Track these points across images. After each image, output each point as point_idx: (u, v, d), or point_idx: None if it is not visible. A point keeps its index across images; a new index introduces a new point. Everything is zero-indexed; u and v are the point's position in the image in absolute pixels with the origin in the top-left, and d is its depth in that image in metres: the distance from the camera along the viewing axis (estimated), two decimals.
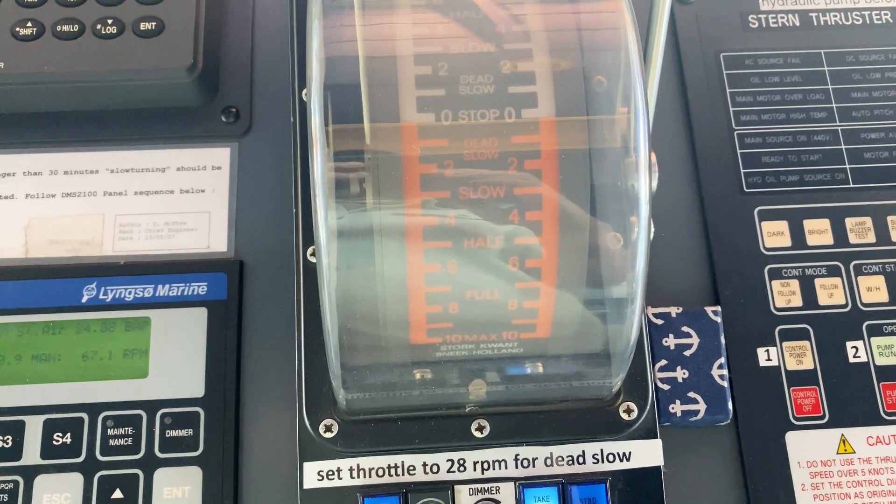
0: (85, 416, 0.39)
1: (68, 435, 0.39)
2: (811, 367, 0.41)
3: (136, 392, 0.40)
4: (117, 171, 0.44)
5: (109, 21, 0.42)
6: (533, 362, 0.36)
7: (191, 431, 0.39)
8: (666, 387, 0.39)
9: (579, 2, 0.35)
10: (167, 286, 0.41)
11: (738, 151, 0.44)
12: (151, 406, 0.39)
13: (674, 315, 0.40)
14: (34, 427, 0.39)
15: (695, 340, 0.40)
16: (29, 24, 0.42)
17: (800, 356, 0.41)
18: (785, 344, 0.41)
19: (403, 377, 0.36)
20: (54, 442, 0.39)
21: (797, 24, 0.47)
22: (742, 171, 0.44)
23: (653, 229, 0.38)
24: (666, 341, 0.40)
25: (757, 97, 0.45)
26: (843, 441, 0.40)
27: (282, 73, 0.45)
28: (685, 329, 0.40)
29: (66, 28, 0.42)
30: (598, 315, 0.35)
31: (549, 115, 0.32)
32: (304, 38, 0.36)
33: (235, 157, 0.44)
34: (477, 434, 0.37)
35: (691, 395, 0.39)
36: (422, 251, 0.32)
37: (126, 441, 0.39)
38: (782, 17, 0.47)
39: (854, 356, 0.41)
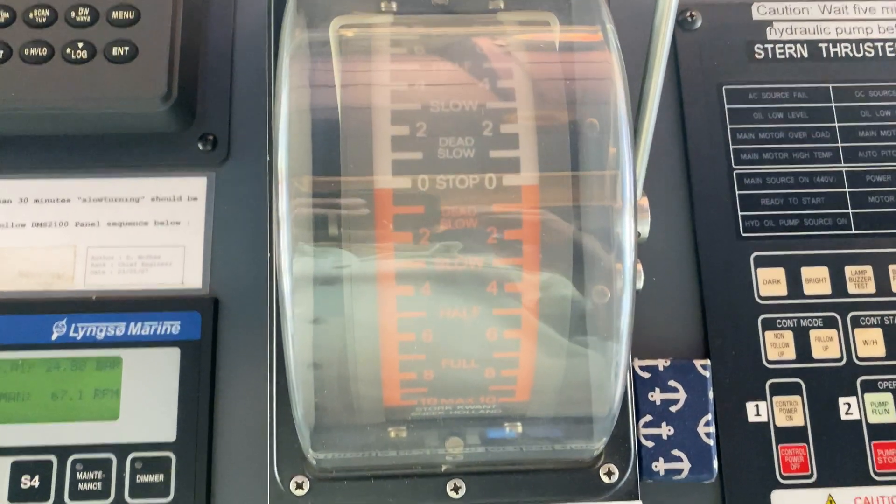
0: (54, 458, 0.38)
1: (37, 478, 0.38)
2: (801, 423, 0.40)
3: (107, 434, 0.39)
4: (90, 200, 0.42)
5: (80, 45, 0.40)
6: (512, 423, 0.35)
7: (162, 477, 0.38)
8: (650, 444, 0.38)
9: (567, 51, 0.33)
10: (139, 324, 0.40)
11: (737, 192, 0.42)
12: (122, 449, 0.39)
13: (661, 368, 0.39)
14: (2, 469, 0.38)
15: (682, 396, 0.39)
16: None
17: (790, 412, 0.40)
18: (775, 399, 0.40)
19: (377, 436, 0.35)
20: (22, 485, 0.38)
21: (805, 55, 0.44)
22: (740, 213, 0.42)
23: (642, 277, 0.37)
24: (652, 396, 0.39)
25: (759, 134, 0.43)
26: (831, 501, 0.39)
27: (263, 100, 0.43)
28: (672, 383, 0.39)
29: (34, 51, 0.40)
30: (581, 377, 0.34)
31: (531, 182, 0.30)
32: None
33: (212, 187, 0.42)
34: (453, 494, 0.36)
35: (676, 452, 0.38)
36: (396, 320, 0.31)
37: (95, 486, 0.38)
38: (790, 48, 0.44)
39: (846, 413, 0.40)
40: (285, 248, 0.29)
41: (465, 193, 0.30)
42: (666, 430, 0.38)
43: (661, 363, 0.39)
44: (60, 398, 0.39)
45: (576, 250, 0.32)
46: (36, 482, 0.38)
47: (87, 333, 0.40)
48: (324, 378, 0.32)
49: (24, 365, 0.40)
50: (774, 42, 0.45)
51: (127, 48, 0.40)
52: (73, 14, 0.41)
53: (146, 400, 0.39)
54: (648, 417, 0.39)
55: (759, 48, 0.45)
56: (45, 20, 0.41)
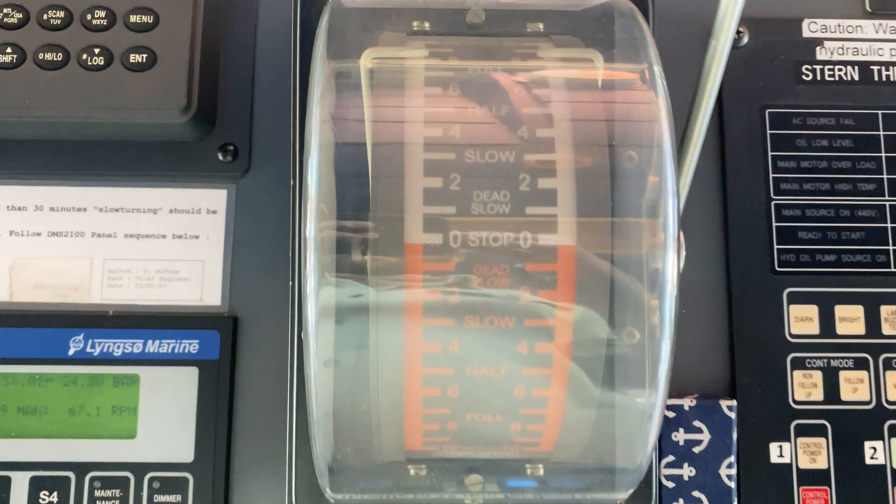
0: (72, 475, 0.38)
1: (55, 494, 0.38)
2: (825, 466, 0.39)
3: (125, 453, 0.39)
4: (106, 209, 0.41)
5: (97, 50, 0.38)
6: (534, 466, 0.35)
7: (179, 498, 0.38)
8: (671, 484, 0.38)
9: (610, 91, 0.32)
10: (157, 342, 0.39)
11: (774, 224, 0.41)
12: (139, 469, 0.38)
13: (686, 408, 0.38)
14: (20, 484, 0.38)
15: (706, 437, 0.38)
16: (9, 49, 0.38)
17: (814, 454, 0.39)
18: (800, 440, 0.39)
19: (396, 477, 0.34)
20: (41, 500, 0.38)
21: (855, 77, 0.42)
22: (776, 247, 0.41)
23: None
24: (675, 436, 0.38)
25: (801, 163, 0.41)
26: None
27: (285, 109, 0.41)
28: (697, 424, 0.38)
29: (49, 56, 0.38)
30: (611, 429, 0.33)
31: (568, 241, 0.29)
32: (308, 73, 0.33)
33: (233, 199, 0.41)
34: None
35: (696, 494, 0.38)
36: (421, 376, 0.30)
37: (114, 503, 0.38)
38: (840, 70, 0.42)
39: (871, 457, 0.39)
40: (312, 305, 0.28)
41: (498, 252, 0.29)
42: (688, 471, 0.38)
43: (687, 402, 0.39)
44: (78, 414, 0.39)
45: (611, 301, 0.31)
46: (55, 498, 0.38)
47: (105, 349, 0.39)
48: (345, 423, 0.31)
49: (42, 379, 0.39)
50: (824, 63, 0.42)
51: (145, 55, 0.38)
52: (89, 16, 0.39)
53: (164, 419, 0.39)
54: (671, 458, 0.38)
55: (807, 69, 0.42)
56: (59, 22, 0.39)
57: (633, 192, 0.31)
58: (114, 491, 0.38)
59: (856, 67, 0.42)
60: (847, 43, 0.43)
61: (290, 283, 0.37)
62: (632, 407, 0.32)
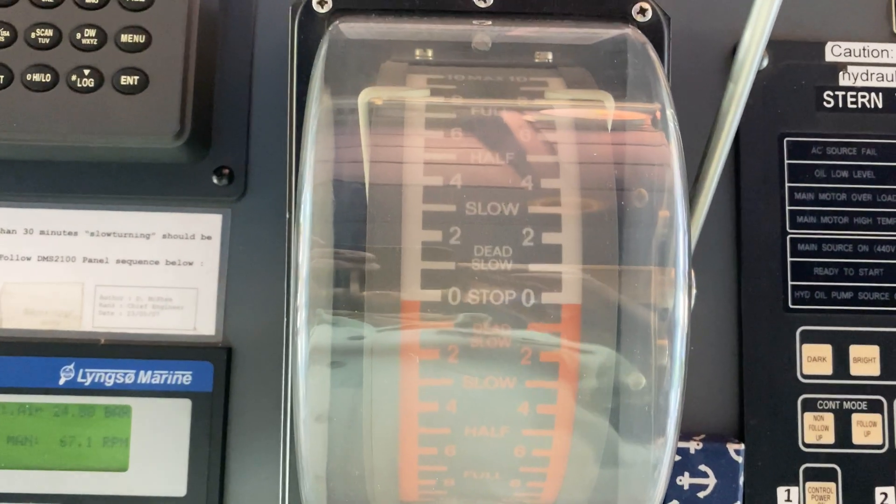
0: None
1: None
2: None
3: (116, 486, 0.38)
4: (97, 233, 0.40)
5: (86, 72, 0.37)
6: None
7: None
8: None
9: (621, 133, 0.30)
10: (150, 373, 0.38)
11: (789, 260, 0.39)
12: (132, 502, 0.38)
13: (692, 452, 0.37)
14: None
15: (711, 481, 0.37)
16: None
17: (823, 499, 0.38)
18: (809, 484, 0.38)
19: None
20: None
21: (879, 105, 0.40)
22: (790, 283, 0.39)
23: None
24: (680, 480, 0.37)
25: (819, 195, 0.40)
26: None
27: (283, 131, 0.40)
28: (703, 468, 0.37)
29: (37, 77, 0.37)
30: (613, 482, 0.32)
31: (573, 300, 0.28)
32: (305, 98, 0.31)
33: (228, 225, 0.40)
34: None
35: None
36: (417, 435, 0.29)
37: None
38: (863, 97, 0.40)
39: (882, 503, 0.38)
40: (302, 368, 0.27)
41: (499, 310, 0.27)
42: None
43: (693, 445, 0.37)
44: (69, 444, 0.38)
45: (617, 351, 0.29)
46: None
47: (96, 380, 0.38)
48: (337, 480, 0.30)
49: (32, 409, 0.38)
50: (847, 89, 0.40)
51: (137, 77, 0.37)
52: (78, 35, 0.37)
53: (156, 452, 0.38)
54: (675, 503, 0.37)
55: (828, 95, 0.40)
56: (48, 41, 0.37)
57: (642, 233, 0.29)
58: None
59: (880, 94, 0.40)
60: (871, 68, 0.41)
61: (286, 319, 0.36)
62: (638, 460, 0.31)
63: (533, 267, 0.27)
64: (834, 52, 0.41)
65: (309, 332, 0.27)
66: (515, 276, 0.27)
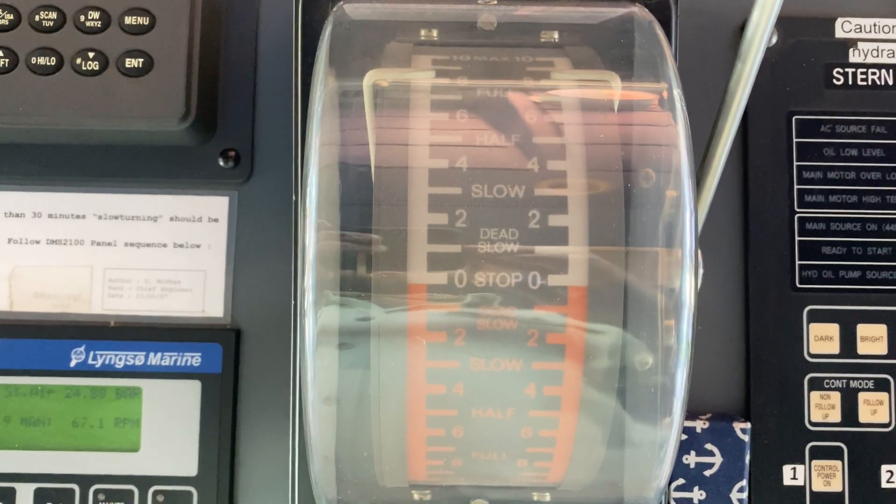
0: (76, 487, 0.38)
1: None
2: (839, 489, 0.38)
3: (128, 466, 0.38)
4: (105, 216, 0.40)
5: (91, 54, 0.37)
6: (541, 494, 0.34)
7: None
8: None
9: (627, 114, 0.30)
10: (159, 355, 0.39)
11: (797, 239, 0.39)
12: (143, 482, 0.38)
13: (699, 431, 0.37)
14: (25, 495, 0.38)
15: (717, 460, 0.37)
16: (0, 53, 0.37)
17: (829, 476, 0.38)
18: (814, 462, 0.38)
19: (400, 501, 0.34)
20: None
21: (889, 81, 0.40)
22: (797, 262, 0.39)
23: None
24: (686, 458, 0.37)
25: (827, 174, 0.39)
26: None
27: (289, 113, 0.39)
28: (709, 447, 0.37)
29: (42, 60, 0.37)
30: (620, 461, 0.32)
31: (580, 282, 0.28)
32: (310, 79, 0.31)
33: (234, 207, 0.40)
34: None
35: None
36: (424, 416, 0.29)
37: None
38: (873, 73, 0.40)
39: (888, 481, 0.38)
40: (310, 350, 0.27)
41: (505, 293, 0.27)
42: (698, 495, 0.37)
43: (700, 424, 0.38)
44: (81, 426, 0.39)
45: (623, 332, 0.29)
46: None
47: (106, 362, 0.39)
48: (345, 462, 0.30)
49: (44, 391, 0.39)
50: (857, 66, 0.40)
51: (141, 60, 0.37)
52: (82, 18, 0.37)
53: (167, 432, 0.38)
54: (681, 481, 0.37)
55: (838, 72, 0.40)
56: (52, 24, 0.37)
57: (649, 213, 0.29)
58: None
59: (890, 71, 0.40)
60: (882, 44, 0.40)
61: (293, 300, 0.36)
62: (644, 440, 0.31)
63: (539, 249, 0.27)
64: (844, 28, 0.40)
65: (316, 314, 0.27)
66: (522, 259, 0.27)
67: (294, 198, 0.36)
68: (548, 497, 0.34)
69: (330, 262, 0.27)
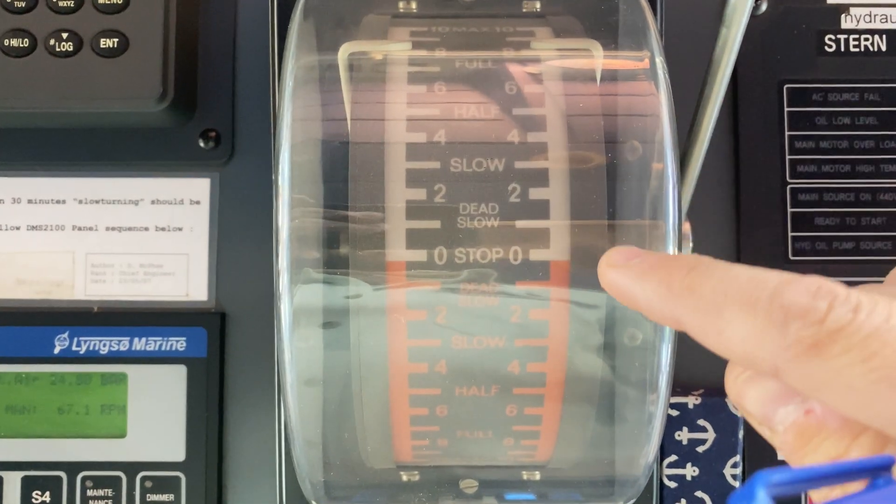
0: (63, 474, 0.38)
1: (47, 493, 0.38)
2: None
3: (115, 452, 0.38)
4: (86, 201, 0.39)
5: (65, 35, 0.36)
6: (531, 472, 0.34)
7: (172, 497, 0.38)
8: (673, 484, 0.37)
9: (610, 84, 0.29)
10: (144, 340, 0.38)
11: (789, 210, 0.38)
12: (131, 468, 0.38)
13: (691, 406, 0.37)
14: (12, 483, 0.38)
15: (710, 436, 0.37)
16: None
17: None
18: None
19: (388, 482, 0.33)
20: (33, 500, 0.38)
21: (883, 47, 0.39)
22: (790, 234, 0.38)
23: None
24: (679, 435, 0.37)
25: (820, 143, 0.39)
26: None
27: (269, 91, 0.39)
28: (701, 423, 0.37)
29: (14, 42, 0.36)
30: (608, 438, 0.32)
31: (562, 256, 0.27)
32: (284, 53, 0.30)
33: (216, 189, 0.39)
34: None
35: (699, 494, 0.37)
36: (407, 396, 0.28)
37: (106, 503, 0.38)
38: (866, 39, 0.39)
39: None
40: (286, 331, 0.26)
41: (486, 268, 0.27)
42: (691, 471, 0.37)
43: (692, 400, 0.37)
44: (67, 412, 0.38)
45: (608, 308, 0.29)
46: (47, 497, 0.38)
47: (91, 348, 0.38)
48: (329, 444, 0.30)
49: (28, 378, 0.38)
50: (849, 32, 0.39)
51: (116, 40, 0.36)
52: None
53: (154, 418, 0.38)
54: (673, 457, 0.37)
55: (830, 39, 0.39)
56: (24, 5, 0.36)
57: (634, 186, 0.29)
58: (106, 490, 0.38)
59: (883, 36, 0.39)
60: (875, 9, 0.39)
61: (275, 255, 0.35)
62: (632, 417, 0.30)
63: (520, 224, 0.27)
64: None
65: (291, 295, 0.27)
66: (502, 234, 0.27)
67: (273, 177, 0.36)
68: (537, 475, 0.34)
69: (305, 240, 0.27)
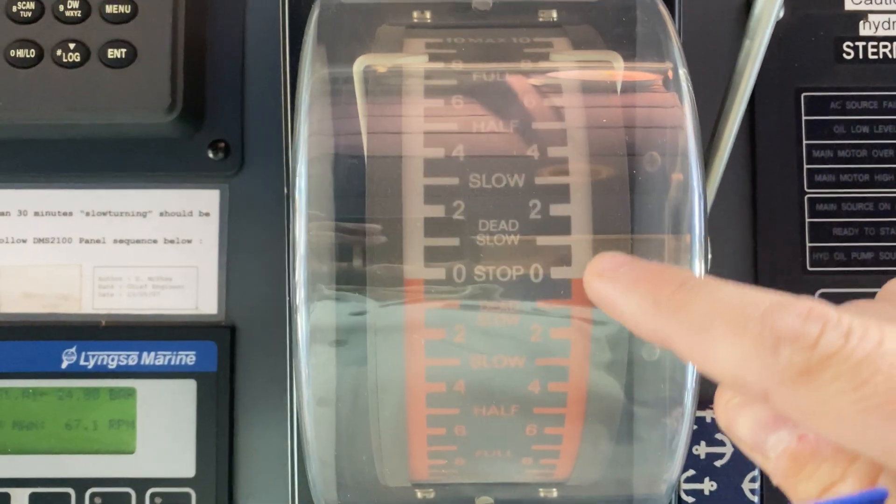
0: (72, 491, 0.37)
1: None
2: None
3: (124, 468, 0.37)
4: (93, 213, 0.39)
5: (72, 45, 0.35)
6: (548, 490, 0.33)
7: None
8: (690, 500, 0.36)
9: (631, 96, 0.28)
10: (153, 354, 0.38)
11: (807, 221, 0.38)
12: (140, 484, 0.37)
13: (709, 420, 0.36)
14: (20, 500, 0.37)
15: (728, 450, 0.36)
16: None
17: None
18: None
19: (403, 500, 0.33)
20: None
21: None
22: (808, 244, 0.38)
23: None
24: (697, 449, 0.36)
25: (838, 152, 0.38)
26: None
27: (278, 100, 0.38)
28: (719, 437, 0.36)
29: (20, 53, 0.35)
30: (625, 459, 0.31)
31: (583, 275, 0.26)
32: (298, 62, 0.30)
33: (226, 200, 0.39)
34: None
35: None
36: (425, 416, 0.28)
37: None
38: (884, 47, 0.38)
39: None
40: (303, 346, 0.26)
41: (506, 287, 0.26)
42: (709, 486, 0.36)
43: (710, 414, 0.37)
44: (75, 428, 0.38)
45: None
46: None
47: (99, 362, 0.38)
48: (345, 463, 0.29)
49: (36, 393, 0.38)
50: (867, 39, 0.38)
51: (124, 50, 0.35)
52: (61, 7, 0.35)
53: (163, 433, 0.37)
54: (691, 472, 0.36)
55: (848, 46, 0.38)
56: (30, 14, 0.36)
57: (655, 198, 0.28)
58: None
59: None
60: (893, 16, 0.39)
61: (287, 268, 0.35)
62: (654, 434, 0.30)
63: (541, 241, 0.26)
64: (854, 0, 0.39)
65: (309, 310, 0.26)
66: (523, 251, 0.26)
67: (286, 190, 0.35)
68: (555, 493, 0.33)
69: (322, 257, 0.26)
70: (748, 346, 0.18)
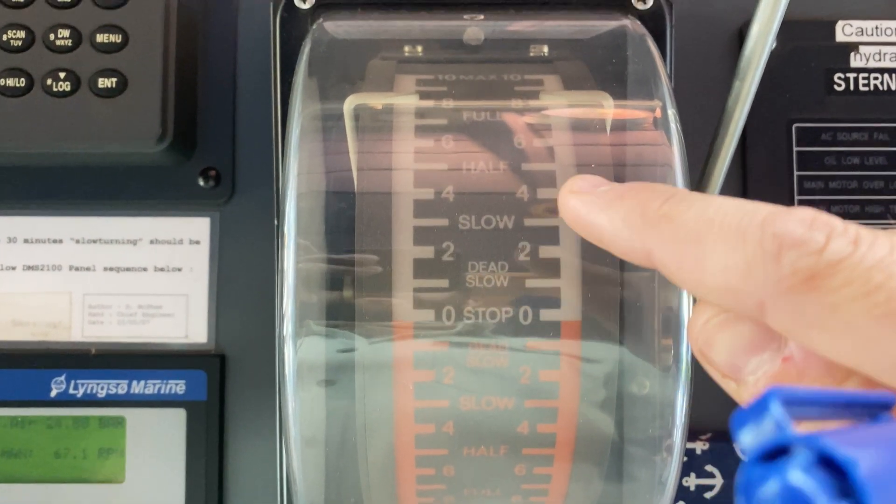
0: None
1: None
2: None
3: (114, 498, 0.37)
4: (83, 241, 0.38)
5: (62, 75, 0.35)
6: None
7: None
8: None
9: (620, 135, 0.28)
10: (142, 383, 0.38)
11: None
12: None
13: (699, 452, 0.36)
14: None
15: (718, 481, 0.36)
16: None
17: None
18: None
19: None
20: None
21: (892, 86, 0.38)
22: None
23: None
24: (686, 481, 0.36)
25: (829, 183, 0.38)
26: None
27: (270, 129, 0.38)
28: (709, 468, 0.36)
29: (10, 82, 0.35)
30: (615, 495, 0.31)
31: (573, 316, 0.26)
32: (289, 94, 0.30)
33: (216, 229, 0.39)
34: None
35: None
36: (413, 456, 0.28)
37: None
38: (875, 78, 0.38)
39: None
40: (290, 378, 0.26)
41: (495, 329, 0.26)
42: None
43: (700, 445, 0.37)
44: (63, 457, 0.38)
45: (620, 363, 0.28)
46: None
47: (88, 391, 0.38)
48: (332, 500, 0.29)
49: (24, 422, 0.38)
50: (858, 70, 0.38)
51: (115, 80, 0.35)
52: (51, 37, 0.35)
53: (153, 463, 0.37)
54: None
55: (839, 77, 0.38)
56: (21, 43, 0.35)
57: None
58: None
59: (893, 75, 0.38)
60: (885, 48, 0.39)
61: (277, 297, 0.34)
62: (644, 471, 0.30)
63: (530, 283, 0.26)
64: (845, 31, 0.39)
65: (296, 346, 0.26)
66: (512, 293, 0.26)
67: (276, 222, 0.35)
68: None
69: (309, 302, 0.26)
70: (747, 253, 0.17)
